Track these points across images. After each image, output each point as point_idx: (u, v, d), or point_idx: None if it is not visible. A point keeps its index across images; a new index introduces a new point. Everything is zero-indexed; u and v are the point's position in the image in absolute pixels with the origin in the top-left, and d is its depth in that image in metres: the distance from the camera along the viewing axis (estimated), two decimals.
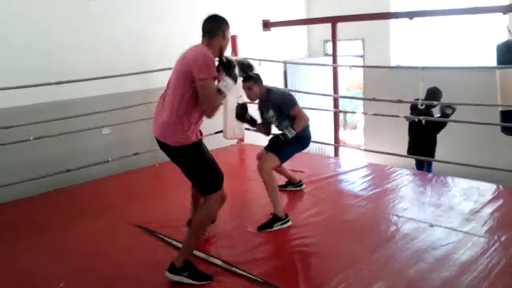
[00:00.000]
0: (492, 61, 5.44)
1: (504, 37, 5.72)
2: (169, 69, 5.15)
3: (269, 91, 4.18)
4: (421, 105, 5.26)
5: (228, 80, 3.03)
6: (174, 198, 4.67)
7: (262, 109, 4.35)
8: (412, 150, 6.10)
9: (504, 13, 5.48)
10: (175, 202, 4.57)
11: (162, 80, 5.18)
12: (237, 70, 3.12)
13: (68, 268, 3.37)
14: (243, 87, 4.17)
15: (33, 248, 3.75)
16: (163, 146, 3.14)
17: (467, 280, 2.93)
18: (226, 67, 3.06)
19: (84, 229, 4.06)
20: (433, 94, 5.64)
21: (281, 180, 4.64)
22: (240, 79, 3.64)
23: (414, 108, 5.72)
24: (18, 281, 3.27)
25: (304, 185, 4.77)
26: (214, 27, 3.14)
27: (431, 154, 6.00)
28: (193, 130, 3.07)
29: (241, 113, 4.24)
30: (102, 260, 3.48)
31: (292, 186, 4.75)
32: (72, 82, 5.15)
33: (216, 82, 3.05)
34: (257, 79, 4.11)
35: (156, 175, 5.58)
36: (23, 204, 4.73)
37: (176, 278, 3.06)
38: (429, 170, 5.89)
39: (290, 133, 4.03)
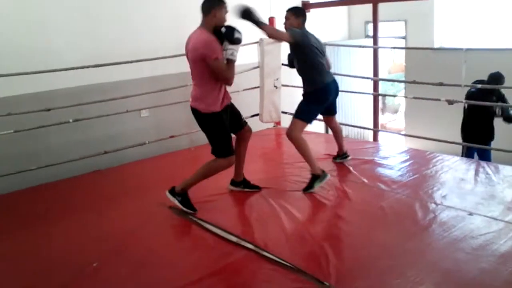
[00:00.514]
0: None
1: None
2: None
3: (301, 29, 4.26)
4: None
5: (231, 47, 3.52)
6: (209, 181, 4.68)
7: None
8: (465, 134, 5.92)
9: None
10: (210, 185, 4.57)
11: None
12: (237, 34, 3.51)
13: (102, 249, 3.41)
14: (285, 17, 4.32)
15: (69, 229, 3.83)
16: (194, 112, 3.73)
17: (506, 272, 2.81)
18: (226, 35, 3.51)
19: (120, 210, 4.12)
20: (496, 79, 5.43)
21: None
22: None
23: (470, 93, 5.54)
24: (53, 260, 3.33)
25: (350, 157, 4.94)
26: (206, 7, 3.58)
27: (487, 140, 5.78)
28: (216, 101, 3.64)
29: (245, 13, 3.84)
30: (136, 242, 3.52)
31: (339, 158, 4.93)
32: (112, 65, 5.20)
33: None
34: (295, 11, 4.28)
35: (192, 158, 5.59)
36: (61, 186, 4.84)
37: (171, 198, 3.84)
38: (484, 157, 5.65)
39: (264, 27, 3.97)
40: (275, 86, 6.13)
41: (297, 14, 4.26)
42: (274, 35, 4.20)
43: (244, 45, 6.19)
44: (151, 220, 3.90)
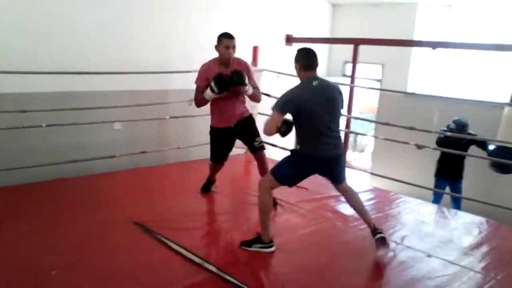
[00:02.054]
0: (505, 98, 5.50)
1: None
2: (188, 71, 5.30)
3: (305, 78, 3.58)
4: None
5: (207, 91, 4.13)
6: (176, 199, 4.70)
7: None
8: (438, 169, 6.37)
9: None
10: (177, 203, 4.60)
11: (182, 82, 5.23)
12: (215, 83, 4.04)
13: (62, 258, 3.37)
14: None
15: (30, 235, 3.74)
16: None
17: None
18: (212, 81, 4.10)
19: (83, 221, 4.05)
20: (464, 126, 5.82)
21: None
22: None
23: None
24: (11, 266, 3.26)
25: (381, 234, 3.62)
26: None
27: (457, 178, 6.27)
28: (215, 118, 4.46)
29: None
30: (97, 254, 3.49)
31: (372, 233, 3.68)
32: (92, 74, 5.22)
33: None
34: (295, 57, 3.61)
35: (162, 175, 5.61)
36: (26, 190, 4.74)
37: None
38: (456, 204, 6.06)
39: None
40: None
41: (296, 60, 3.61)
42: (263, 129, 3.56)
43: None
44: (115, 234, 3.87)
